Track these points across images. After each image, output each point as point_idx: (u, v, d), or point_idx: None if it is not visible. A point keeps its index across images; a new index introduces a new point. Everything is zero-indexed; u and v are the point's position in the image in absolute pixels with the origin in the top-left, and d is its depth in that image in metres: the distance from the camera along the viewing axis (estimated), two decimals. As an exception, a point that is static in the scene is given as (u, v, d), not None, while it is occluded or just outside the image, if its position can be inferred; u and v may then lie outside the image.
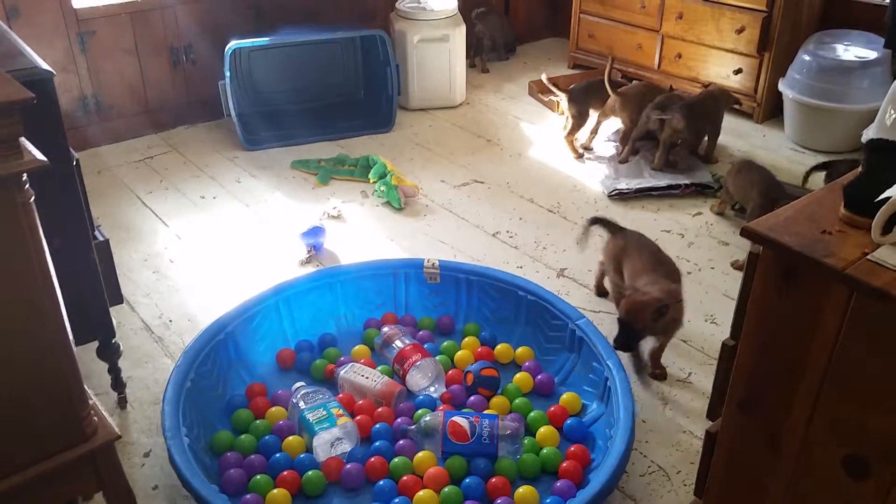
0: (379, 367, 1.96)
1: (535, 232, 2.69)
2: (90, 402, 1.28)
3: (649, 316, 1.84)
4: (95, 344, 1.80)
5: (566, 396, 1.86)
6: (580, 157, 3.20)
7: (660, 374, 2.00)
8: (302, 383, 1.88)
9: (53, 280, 1.15)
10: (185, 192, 2.96)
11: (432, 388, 1.91)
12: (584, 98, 3.17)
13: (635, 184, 2.92)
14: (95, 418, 1.27)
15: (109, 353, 1.83)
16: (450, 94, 3.68)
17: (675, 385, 1.99)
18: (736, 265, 2.45)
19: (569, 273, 2.45)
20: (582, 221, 2.73)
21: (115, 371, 1.87)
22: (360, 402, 1.85)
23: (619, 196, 2.88)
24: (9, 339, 1.13)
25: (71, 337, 1.20)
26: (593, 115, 3.23)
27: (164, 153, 3.26)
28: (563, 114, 3.32)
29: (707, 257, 2.52)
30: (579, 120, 3.19)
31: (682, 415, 1.90)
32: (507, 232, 2.69)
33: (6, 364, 1.14)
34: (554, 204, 2.87)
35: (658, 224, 2.73)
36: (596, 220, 2.25)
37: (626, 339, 1.90)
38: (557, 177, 3.09)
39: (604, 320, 2.20)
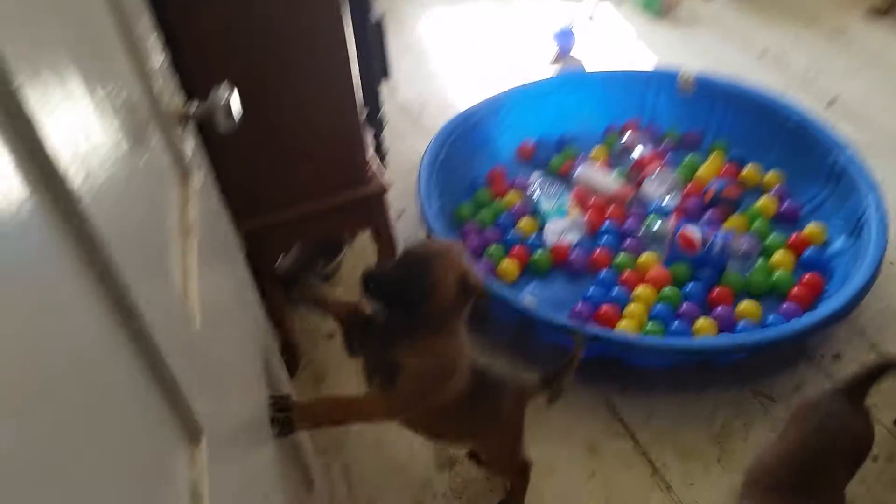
0: (615, 170, 1.99)
1: (808, 55, 2.42)
2: (368, 154, 1.48)
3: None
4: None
5: (811, 226, 1.78)
6: None
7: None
8: (540, 173, 1.98)
9: (350, 49, 1.31)
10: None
11: (667, 199, 1.91)
12: None
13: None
14: (373, 167, 1.48)
15: (376, 122, 2.04)
16: None
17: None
18: None
19: (840, 104, 2.21)
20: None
21: (378, 138, 2.09)
22: (593, 199, 1.92)
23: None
24: (317, 94, 1.32)
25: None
26: None
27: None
28: None
29: None
30: None
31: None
32: (776, 52, 2.45)
33: (312, 118, 1.34)
34: (837, 26, 2.53)
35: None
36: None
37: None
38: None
39: (869, 156, 2.00)
